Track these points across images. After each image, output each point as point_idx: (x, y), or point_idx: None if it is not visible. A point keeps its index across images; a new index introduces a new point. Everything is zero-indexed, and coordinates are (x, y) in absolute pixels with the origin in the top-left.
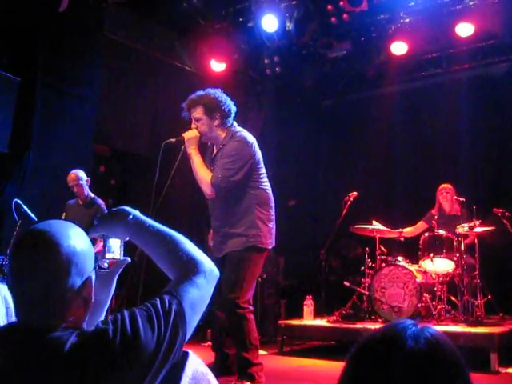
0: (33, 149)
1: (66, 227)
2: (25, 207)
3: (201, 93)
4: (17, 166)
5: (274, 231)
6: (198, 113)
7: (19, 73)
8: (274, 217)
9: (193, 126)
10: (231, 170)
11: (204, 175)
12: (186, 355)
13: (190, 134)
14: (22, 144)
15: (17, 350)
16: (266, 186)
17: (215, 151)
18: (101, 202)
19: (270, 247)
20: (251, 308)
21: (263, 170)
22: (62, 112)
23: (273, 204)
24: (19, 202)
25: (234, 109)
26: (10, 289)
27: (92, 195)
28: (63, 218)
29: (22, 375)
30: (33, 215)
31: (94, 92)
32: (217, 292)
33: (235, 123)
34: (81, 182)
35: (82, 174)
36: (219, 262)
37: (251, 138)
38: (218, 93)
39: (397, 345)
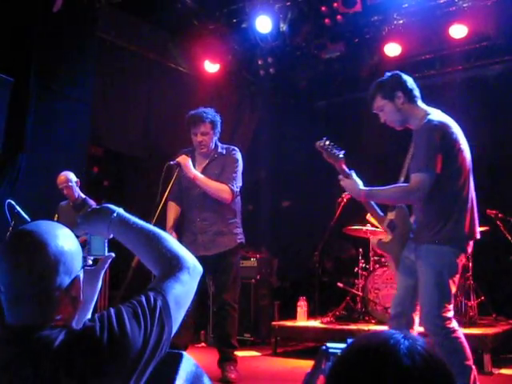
0: (26, 149)
1: (53, 227)
2: (18, 208)
3: (208, 110)
4: (10, 166)
5: None
6: (207, 127)
7: (12, 73)
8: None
9: (199, 138)
10: (239, 177)
11: (219, 185)
12: (180, 357)
13: (185, 160)
14: (16, 145)
15: (4, 348)
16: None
17: (204, 162)
18: (92, 202)
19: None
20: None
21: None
22: (55, 113)
23: (239, 209)
24: (12, 202)
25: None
26: (1, 292)
27: (83, 196)
28: (55, 219)
29: (10, 373)
30: (26, 216)
31: (88, 93)
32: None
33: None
34: (70, 183)
35: (71, 175)
36: (203, 260)
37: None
38: (216, 112)
39: (392, 363)
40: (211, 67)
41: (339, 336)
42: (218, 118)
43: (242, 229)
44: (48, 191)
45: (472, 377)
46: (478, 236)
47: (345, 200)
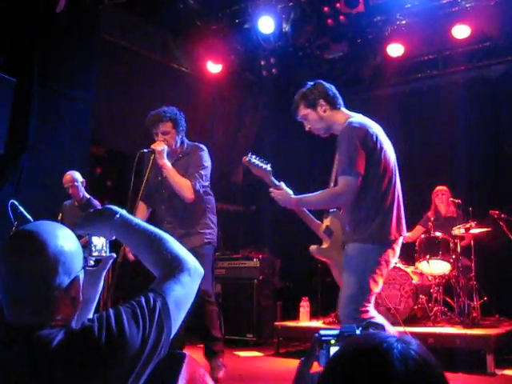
0: (29, 150)
1: (53, 227)
2: (21, 208)
3: (166, 109)
4: (13, 167)
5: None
6: (168, 127)
7: (15, 74)
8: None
9: (160, 138)
10: (205, 176)
11: (184, 181)
12: (183, 357)
13: (160, 147)
14: (19, 145)
15: (3, 348)
16: (211, 191)
17: (170, 162)
18: (97, 203)
19: (215, 245)
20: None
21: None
22: (58, 113)
23: (215, 211)
24: (15, 202)
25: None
26: (1, 290)
27: (88, 196)
28: (59, 218)
29: (8, 372)
30: (29, 216)
31: (91, 93)
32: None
33: (185, 137)
34: (76, 183)
35: (77, 175)
36: None
37: (206, 148)
38: (178, 110)
39: (385, 368)
40: (214, 67)
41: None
42: (179, 116)
43: (218, 229)
44: (51, 191)
45: None
46: (406, 233)
47: None
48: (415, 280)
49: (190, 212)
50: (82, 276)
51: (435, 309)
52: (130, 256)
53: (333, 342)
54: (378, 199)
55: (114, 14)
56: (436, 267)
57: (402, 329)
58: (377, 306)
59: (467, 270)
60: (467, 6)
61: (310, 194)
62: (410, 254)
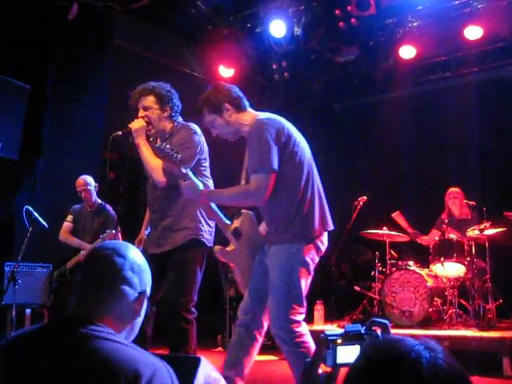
0: (43, 156)
1: (129, 246)
2: (36, 214)
3: (153, 83)
4: (27, 173)
5: (213, 231)
6: (149, 101)
7: (29, 81)
8: None
9: (141, 114)
10: (184, 157)
11: (156, 163)
12: (198, 361)
13: (137, 124)
14: (33, 151)
15: (58, 335)
16: (209, 181)
17: (159, 142)
18: (110, 208)
19: (209, 245)
20: (193, 318)
21: (207, 164)
22: (71, 119)
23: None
24: (30, 208)
25: (180, 106)
26: (78, 287)
27: (99, 201)
28: (70, 220)
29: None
30: (44, 222)
31: (104, 99)
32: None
33: (181, 119)
34: (89, 187)
35: (90, 179)
36: (154, 258)
37: (199, 130)
38: (169, 86)
39: (415, 379)
40: (226, 72)
41: None
42: (165, 91)
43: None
44: (65, 197)
45: None
46: (332, 227)
47: (361, 204)
48: (430, 283)
49: (175, 200)
50: (148, 292)
51: (450, 311)
52: None
53: (339, 341)
54: (298, 196)
55: (126, 19)
56: (451, 269)
57: (416, 332)
58: (391, 308)
59: (482, 272)
60: (479, 6)
61: (222, 190)
62: (424, 257)
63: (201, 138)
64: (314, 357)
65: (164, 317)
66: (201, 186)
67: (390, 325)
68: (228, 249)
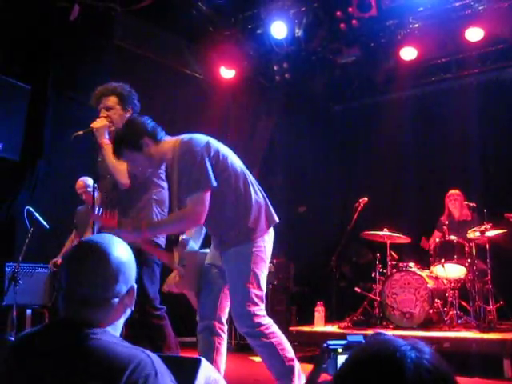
0: (44, 156)
1: (114, 240)
2: (37, 215)
3: (115, 83)
4: (28, 173)
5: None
6: (111, 101)
7: (30, 81)
8: None
9: (103, 114)
10: None
11: (120, 164)
12: (198, 362)
13: (99, 124)
14: (34, 152)
15: (53, 339)
16: (165, 184)
17: None
18: None
19: (163, 246)
20: (162, 313)
21: (163, 167)
22: (72, 119)
23: (167, 206)
24: (31, 209)
25: (139, 107)
26: (63, 290)
27: None
28: (74, 224)
29: (52, 362)
30: (45, 222)
31: None
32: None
33: None
34: (89, 189)
35: (90, 181)
36: None
37: None
38: (129, 87)
39: (398, 378)
40: (227, 73)
41: None
42: (127, 92)
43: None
44: (66, 198)
45: (296, 373)
46: (277, 220)
47: (362, 205)
48: (430, 284)
49: (132, 201)
50: (135, 286)
51: (451, 313)
52: None
53: (340, 350)
54: (241, 201)
55: (128, 20)
56: (451, 271)
57: (417, 333)
58: (392, 310)
59: (483, 273)
60: (480, 8)
61: (159, 220)
62: (425, 258)
63: None
64: (316, 366)
65: (135, 322)
66: (132, 229)
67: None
68: (178, 280)
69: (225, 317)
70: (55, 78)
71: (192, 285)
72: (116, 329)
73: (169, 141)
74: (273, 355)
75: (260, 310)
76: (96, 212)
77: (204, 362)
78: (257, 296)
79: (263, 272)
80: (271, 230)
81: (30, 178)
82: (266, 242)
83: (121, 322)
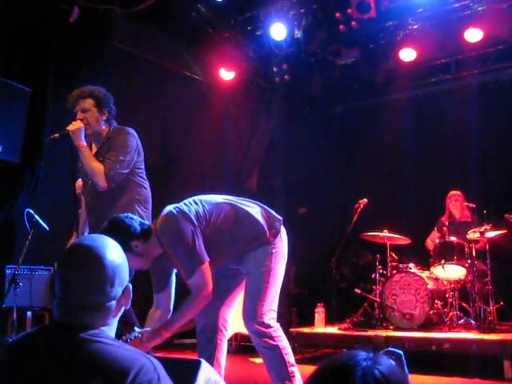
0: (44, 159)
1: (107, 241)
2: (37, 217)
3: (91, 87)
4: (28, 176)
5: None
6: (88, 104)
7: (30, 83)
8: (149, 218)
9: (79, 116)
10: (123, 161)
11: (97, 166)
12: (198, 364)
13: (75, 126)
14: (34, 154)
15: (50, 343)
16: (146, 183)
17: (96, 147)
18: None
19: None
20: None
21: (142, 166)
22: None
23: (150, 204)
24: (31, 211)
25: (115, 110)
26: (57, 296)
27: None
28: (75, 226)
29: (49, 369)
30: (45, 225)
31: None
32: None
33: (115, 123)
34: None
35: None
36: None
37: (135, 133)
38: (106, 90)
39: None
40: (226, 75)
41: (357, 342)
42: (103, 95)
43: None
44: (66, 200)
45: (296, 379)
46: (280, 217)
47: (361, 206)
48: (430, 285)
49: (113, 203)
50: (130, 285)
51: (451, 314)
52: None
53: None
54: (241, 229)
55: (127, 23)
56: (451, 272)
57: (417, 334)
58: (392, 311)
59: (483, 274)
60: (479, 9)
61: (171, 318)
62: (425, 259)
63: (138, 141)
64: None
65: None
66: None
67: (403, 356)
68: None
69: (229, 315)
70: (55, 80)
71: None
72: (111, 328)
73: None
74: (276, 358)
75: (272, 311)
76: (127, 339)
77: (204, 364)
78: (272, 297)
79: (281, 274)
80: (283, 230)
81: (30, 180)
82: (283, 241)
83: (115, 320)
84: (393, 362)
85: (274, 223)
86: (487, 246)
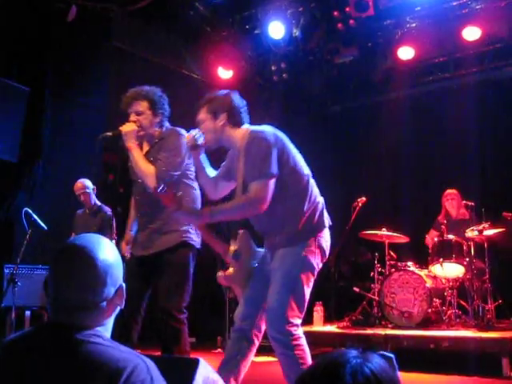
0: (42, 158)
1: (99, 241)
2: (35, 216)
3: (147, 88)
4: (27, 175)
5: (199, 233)
6: (142, 106)
7: (28, 83)
8: None
9: (132, 118)
10: (174, 163)
11: (148, 168)
12: (196, 362)
13: (128, 128)
14: (32, 153)
15: (45, 344)
16: (195, 184)
17: (147, 148)
18: (107, 209)
19: (198, 247)
20: (185, 318)
21: (193, 168)
22: (71, 121)
23: (199, 204)
24: (29, 211)
25: (169, 111)
26: (51, 296)
27: (99, 203)
28: (73, 227)
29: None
30: (43, 224)
31: (103, 100)
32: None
33: (167, 123)
34: (87, 190)
35: (88, 182)
36: (140, 261)
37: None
38: (160, 91)
39: (335, 382)
40: (224, 73)
41: (356, 341)
42: (158, 97)
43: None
44: (64, 199)
45: None
46: (330, 222)
47: (360, 205)
48: (429, 283)
49: (163, 205)
50: (124, 284)
51: (449, 312)
52: (127, 254)
53: None
54: (300, 198)
55: (125, 21)
56: (450, 270)
57: (416, 332)
58: (391, 309)
59: (481, 272)
60: (477, 7)
61: (220, 205)
62: (423, 258)
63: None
64: None
65: (156, 317)
66: (194, 211)
67: (394, 359)
68: (231, 273)
69: (263, 323)
70: (53, 79)
71: (241, 281)
72: (106, 329)
73: (242, 130)
74: (291, 367)
75: (296, 318)
76: (160, 189)
77: (202, 363)
78: (297, 304)
79: (310, 280)
80: (327, 235)
81: (28, 180)
82: (321, 247)
83: (111, 321)
84: (383, 360)
85: (321, 225)
86: (485, 245)
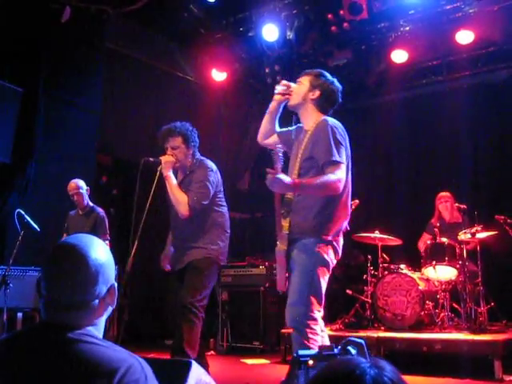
0: (35, 159)
1: (91, 240)
2: (27, 217)
3: (178, 124)
4: (19, 176)
5: (226, 250)
6: (177, 142)
7: (22, 83)
8: (228, 238)
9: (169, 152)
10: (204, 193)
11: (182, 197)
12: (188, 365)
13: (168, 158)
14: (25, 154)
15: (38, 343)
16: (224, 209)
17: (181, 177)
18: (100, 210)
19: (222, 263)
20: (201, 316)
21: (221, 195)
22: (64, 122)
23: (228, 227)
24: (22, 212)
25: (198, 142)
26: (43, 295)
27: (91, 204)
28: (65, 228)
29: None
30: (35, 225)
31: (97, 102)
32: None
33: (198, 154)
34: (81, 190)
35: (81, 183)
36: (179, 274)
37: (215, 167)
38: (190, 125)
39: None
40: (218, 76)
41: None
42: (190, 131)
43: (229, 243)
44: (57, 200)
45: None
46: (347, 227)
47: (353, 207)
48: (422, 286)
49: (195, 227)
50: (116, 284)
51: (442, 315)
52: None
53: (311, 362)
54: (334, 199)
55: (119, 23)
56: (442, 273)
57: (408, 335)
58: (384, 312)
59: (474, 275)
60: (470, 11)
61: (308, 180)
62: (416, 260)
63: (216, 175)
64: (288, 377)
65: (175, 314)
66: (287, 179)
67: (364, 344)
68: (283, 248)
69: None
70: (47, 80)
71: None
72: (98, 328)
73: (319, 115)
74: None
75: (315, 311)
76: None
77: (194, 365)
78: (315, 296)
79: (326, 275)
80: (340, 238)
81: (21, 181)
82: (334, 249)
83: (102, 320)
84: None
85: (339, 227)
86: (478, 247)
